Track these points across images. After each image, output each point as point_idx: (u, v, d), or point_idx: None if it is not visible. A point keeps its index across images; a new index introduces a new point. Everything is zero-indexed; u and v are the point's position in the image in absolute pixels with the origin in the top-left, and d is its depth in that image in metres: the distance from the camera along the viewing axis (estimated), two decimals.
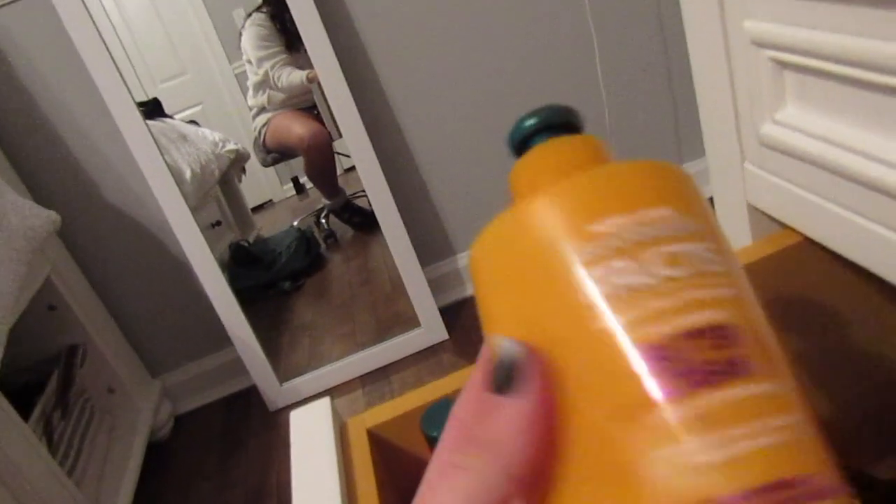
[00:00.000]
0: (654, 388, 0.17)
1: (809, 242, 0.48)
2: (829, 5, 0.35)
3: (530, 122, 0.25)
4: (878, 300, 0.51)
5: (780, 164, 0.45)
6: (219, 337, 1.77)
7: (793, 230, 0.49)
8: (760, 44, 0.41)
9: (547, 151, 0.24)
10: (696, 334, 0.18)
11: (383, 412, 0.48)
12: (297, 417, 0.48)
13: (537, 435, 0.19)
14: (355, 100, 1.63)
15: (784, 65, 0.41)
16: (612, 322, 0.18)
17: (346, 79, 1.61)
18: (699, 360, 0.17)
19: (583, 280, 0.19)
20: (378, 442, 0.48)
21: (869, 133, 0.37)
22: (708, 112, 0.50)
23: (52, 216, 1.37)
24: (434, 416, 0.44)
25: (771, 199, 0.48)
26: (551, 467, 0.19)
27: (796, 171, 0.43)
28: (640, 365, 0.18)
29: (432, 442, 0.42)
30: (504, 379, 0.19)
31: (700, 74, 0.49)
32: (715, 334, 0.18)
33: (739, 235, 0.53)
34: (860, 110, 0.37)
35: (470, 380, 0.21)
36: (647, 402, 0.17)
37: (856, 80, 0.36)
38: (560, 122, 0.25)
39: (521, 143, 0.25)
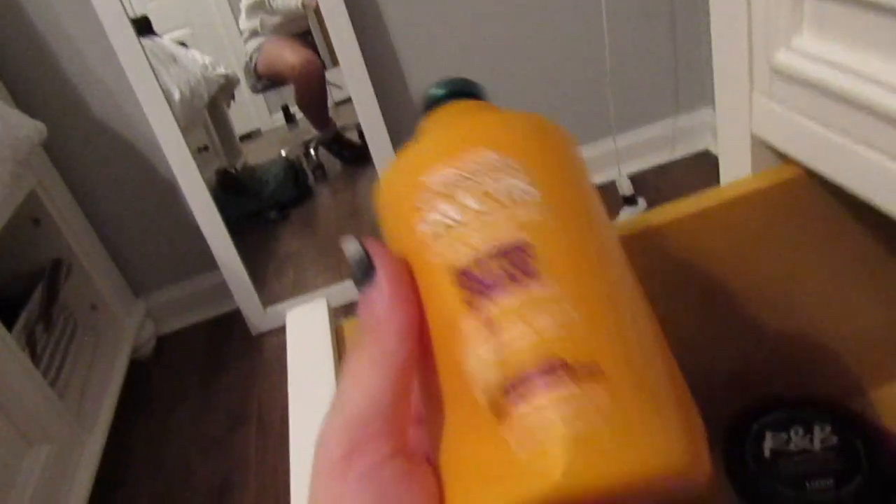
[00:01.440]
0: (463, 303, 0.22)
1: (810, 176, 0.48)
2: None
3: (438, 89, 0.30)
4: (873, 238, 0.51)
5: (791, 93, 0.44)
6: (204, 260, 1.77)
7: (793, 164, 0.49)
8: None
9: (442, 111, 0.29)
10: (497, 254, 0.22)
11: None
12: (293, 317, 0.48)
13: (405, 304, 0.23)
14: (354, 29, 1.60)
15: None
16: (436, 256, 0.23)
17: (346, 6, 1.58)
18: (496, 275, 0.21)
19: (416, 224, 0.23)
20: None
21: (885, 62, 0.37)
22: (720, 39, 0.50)
23: (39, 126, 1.35)
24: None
25: (777, 130, 0.48)
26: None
27: (807, 100, 0.43)
28: (454, 286, 0.22)
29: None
30: (360, 274, 0.23)
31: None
32: (512, 253, 0.22)
33: (741, 168, 0.53)
34: (878, 38, 0.37)
35: None
36: (461, 313, 0.21)
37: (875, 4, 0.36)
38: (465, 92, 0.30)
39: (431, 106, 0.30)
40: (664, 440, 0.20)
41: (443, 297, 0.22)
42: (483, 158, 0.23)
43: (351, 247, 0.23)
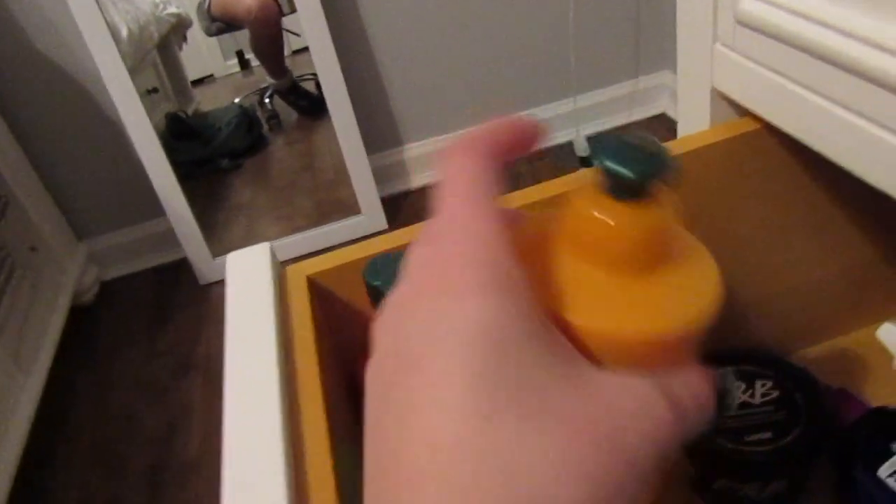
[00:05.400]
0: None
1: (768, 130, 0.48)
2: None
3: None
4: (824, 193, 0.52)
5: (754, 44, 0.44)
6: (151, 205, 1.71)
7: (752, 117, 0.49)
8: None
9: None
10: None
11: (324, 262, 0.47)
12: (234, 260, 0.47)
13: None
14: None
15: None
16: None
17: None
18: None
19: None
20: (318, 290, 0.47)
21: (848, 8, 0.36)
22: None
23: None
24: (378, 267, 0.43)
25: (738, 82, 0.47)
26: None
27: (769, 51, 0.43)
28: None
29: (374, 292, 0.42)
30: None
31: None
32: None
33: (700, 123, 0.52)
34: None
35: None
36: None
37: None
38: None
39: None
40: None
41: None
42: None
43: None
